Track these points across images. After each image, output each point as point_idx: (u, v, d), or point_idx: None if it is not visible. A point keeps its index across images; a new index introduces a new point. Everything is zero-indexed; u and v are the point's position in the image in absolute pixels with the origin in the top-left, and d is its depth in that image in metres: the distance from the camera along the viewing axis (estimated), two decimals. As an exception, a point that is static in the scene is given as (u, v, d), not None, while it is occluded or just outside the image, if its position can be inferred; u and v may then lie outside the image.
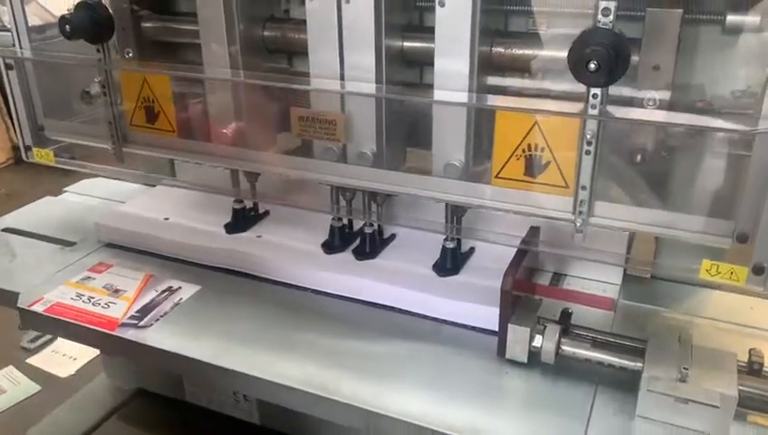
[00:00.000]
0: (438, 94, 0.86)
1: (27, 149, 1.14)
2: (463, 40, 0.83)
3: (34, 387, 2.30)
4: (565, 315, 0.85)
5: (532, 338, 0.83)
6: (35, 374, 2.26)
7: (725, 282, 0.76)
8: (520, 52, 0.87)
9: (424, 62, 0.93)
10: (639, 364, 0.79)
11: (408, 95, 0.92)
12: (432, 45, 0.85)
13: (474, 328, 0.93)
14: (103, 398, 1.27)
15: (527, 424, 0.79)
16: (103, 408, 1.22)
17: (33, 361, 2.19)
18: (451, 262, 1.02)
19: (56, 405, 1.28)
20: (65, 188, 1.45)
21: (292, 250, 1.07)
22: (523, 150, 0.82)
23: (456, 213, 0.96)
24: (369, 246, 1.07)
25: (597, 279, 1.04)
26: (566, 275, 1.06)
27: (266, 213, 1.17)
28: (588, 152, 0.78)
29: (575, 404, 0.81)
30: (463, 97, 0.85)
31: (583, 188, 0.80)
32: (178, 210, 1.20)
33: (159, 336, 0.94)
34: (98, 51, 1.00)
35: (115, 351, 0.96)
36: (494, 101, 0.85)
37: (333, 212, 1.05)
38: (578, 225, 0.81)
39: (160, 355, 0.92)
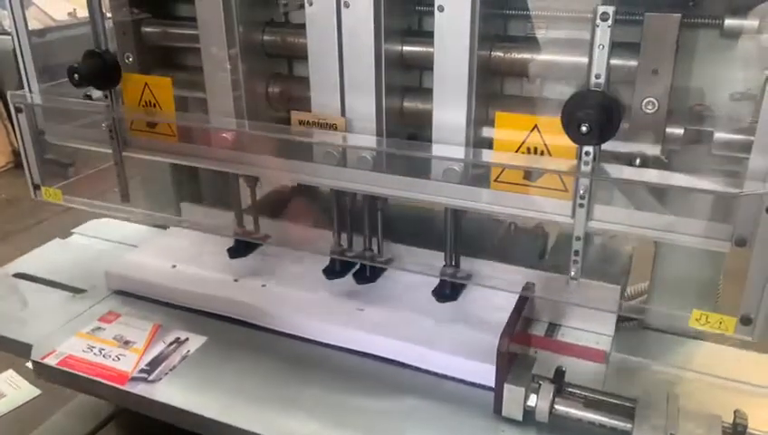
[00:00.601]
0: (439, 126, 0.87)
1: (36, 187, 1.16)
2: (462, 44, 0.83)
3: (35, 391, 2.30)
4: (559, 374, 0.87)
5: (527, 397, 0.85)
6: (36, 379, 2.26)
7: (715, 331, 0.79)
8: (519, 56, 0.88)
9: (423, 66, 0.93)
10: (629, 425, 0.81)
11: (408, 150, 0.92)
12: (431, 50, 0.85)
13: (472, 383, 0.95)
14: (101, 404, 1.27)
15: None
16: (101, 414, 1.22)
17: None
18: (450, 288, 1.03)
19: (56, 410, 1.28)
20: (73, 230, 1.45)
21: (295, 300, 1.08)
22: (523, 154, 0.82)
23: (456, 218, 0.97)
24: (370, 270, 1.08)
25: (590, 330, 1.05)
26: (561, 325, 1.08)
27: (266, 236, 1.16)
28: (581, 205, 0.80)
29: None
30: (460, 152, 0.87)
31: (578, 238, 0.81)
32: (187, 256, 1.21)
33: (168, 391, 0.95)
34: (105, 97, 1.02)
35: (126, 403, 0.97)
36: (489, 156, 0.86)
37: (334, 249, 1.06)
38: (572, 274, 0.84)
39: (169, 411, 0.93)
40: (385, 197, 1.00)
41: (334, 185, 0.97)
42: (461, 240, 1.00)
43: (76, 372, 0.98)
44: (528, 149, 0.82)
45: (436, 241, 1.02)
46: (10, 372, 2.35)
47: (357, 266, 1.08)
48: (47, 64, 1.11)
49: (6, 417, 2.22)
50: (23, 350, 1.05)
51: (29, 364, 1.07)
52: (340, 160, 0.93)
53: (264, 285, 1.13)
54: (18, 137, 1.12)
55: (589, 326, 1.06)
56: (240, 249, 1.14)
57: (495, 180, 0.85)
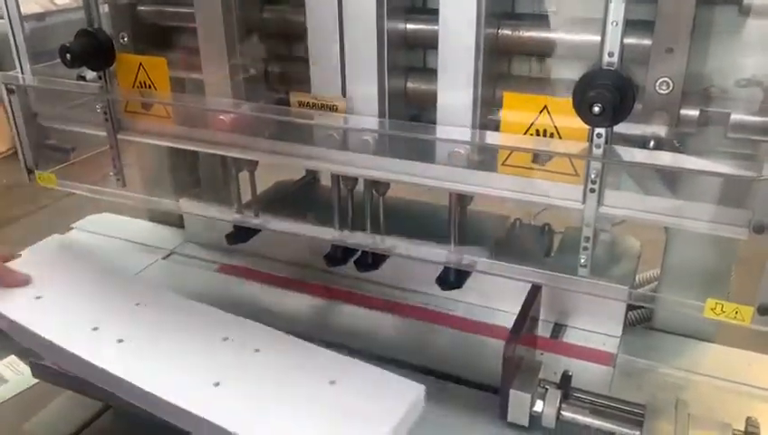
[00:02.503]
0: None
1: (30, 171, 1.13)
2: (468, 22, 0.79)
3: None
4: (566, 379, 0.85)
5: (533, 403, 0.83)
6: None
7: (730, 321, 0.75)
8: (528, 34, 0.84)
9: (428, 45, 0.89)
10: (637, 433, 0.79)
11: (412, 131, 0.88)
12: (436, 28, 0.81)
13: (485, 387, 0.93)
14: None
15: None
16: (96, 403, 1.20)
17: (34, 351, 2.17)
18: (455, 276, 0.99)
19: (57, 396, 1.27)
20: (73, 225, 1.43)
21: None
22: (531, 136, 0.79)
23: (461, 203, 0.93)
24: (372, 257, 1.04)
25: (597, 331, 1.03)
26: (566, 326, 1.05)
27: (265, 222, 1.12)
28: (592, 190, 0.76)
29: None
30: (465, 134, 0.83)
31: (588, 225, 0.78)
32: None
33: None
34: (99, 78, 0.98)
35: (125, 405, 0.92)
36: (496, 139, 0.81)
37: (334, 235, 1.01)
38: (582, 261, 0.81)
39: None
40: (387, 182, 0.97)
41: (335, 169, 0.93)
42: (465, 235, 0.96)
43: (71, 373, 0.94)
44: (537, 131, 0.78)
45: (439, 236, 0.98)
46: (12, 358, 2.34)
47: (358, 254, 1.05)
48: (47, 49, 1.07)
49: (8, 402, 2.21)
50: (23, 349, 1.02)
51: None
52: (341, 143, 0.90)
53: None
54: (11, 119, 1.10)
55: (595, 327, 1.04)
56: (240, 235, 1.11)
57: (503, 164, 0.81)
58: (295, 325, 0.99)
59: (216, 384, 0.84)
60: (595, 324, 1.03)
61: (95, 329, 0.95)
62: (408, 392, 0.81)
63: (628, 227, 1.19)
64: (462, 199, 0.94)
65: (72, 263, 1.12)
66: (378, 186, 0.98)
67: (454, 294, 1.08)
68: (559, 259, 1.06)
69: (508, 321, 1.03)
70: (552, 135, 0.78)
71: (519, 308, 1.05)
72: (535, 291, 0.92)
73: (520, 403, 0.83)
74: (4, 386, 2.27)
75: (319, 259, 1.12)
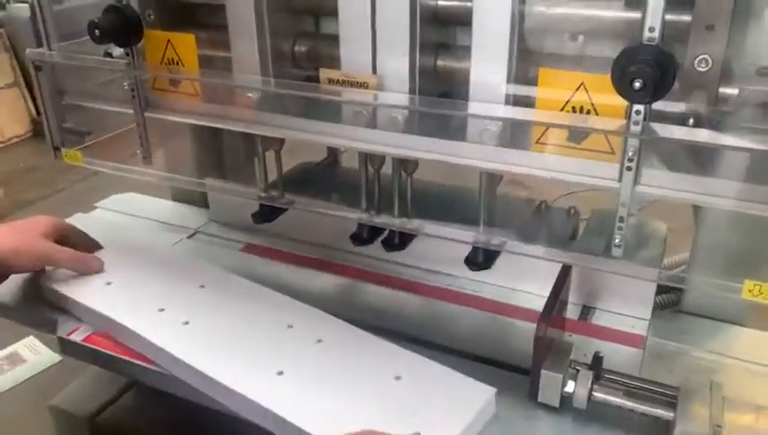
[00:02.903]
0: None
1: (56, 149, 1.12)
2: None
3: (56, 357, 2.32)
4: (597, 360, 0.84)
5: (564, 384, 0.82)
6: (56, 345, 2.27)
7: None
8: (562, 11, 0.82)
9: (459, 21, 0.88)
10: (671, 415, 0.78)
11: (445, 108, 0.87)
12: (469, 4, 0.80)
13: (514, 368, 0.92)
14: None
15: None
16: (121, 380, 1.20)
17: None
18: (483, 256, 0.98)
19: (77, 376, 1.27)
20: (97, 204, 1.43)
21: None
22: (567, 113, 0.77)
23: (491, 184, 0.92)
24: (399, 237, 1.03)
25: (626, 314, 1.02)
26: (595, 308, 1.04)
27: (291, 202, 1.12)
28: (629, 168, 0.75)
29: None
30: (499, 111, 0.82)
31: (623, 204, 0.77)
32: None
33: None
34: (126, 54, 0.98)
35: (153, 382, 0.94)
36: (531, 115, 0.80)
37: (362, 214, 1.00)
38: (617, 241, 0.80)
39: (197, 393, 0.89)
40: (416, 160, 0.96)
41: (363, 147, 0.92)
42: (490, 218, 0.95)
43: (100, 350, 0.96)
44: (573, 108, 0.77)
45: (465, 219, 0.97)
46: (30, 339, 2.37)
47: (385, 234, 1.04)
48: (64, 33, 1.07)
49: (28, 383, 2.24)
50: (48, 325, 1.03)
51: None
52: (370, 121, 0.89)
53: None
54: (38, 97, 1.09)
55: (624, 310, 1.03)
56: (266, 214, 1.11)
57: (537, 142, 0.80)
58: (320, 305, 0.99)
59: (280, 373, 0.83)
60: (624, 307, 1.02)
61: (161, 310, 0.96)
62: (478, 395, 0.80)
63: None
64: (491, 180, 0.93)
65: (136, 245, 1.15)
66: (406, 165, 0.98)
67: (479, 275, 1.08)
68: (585, 242, 1.05)
69: (534, 303, 1.04)
70: (588, 112, 0.77)
71: (545, 290, 1.06)
72: (566, 272, 0.91)
73: (551, 384, 0.82)
74: (24, 366, 2.30)
75: (343, 240, 1.12)
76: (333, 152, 1.31)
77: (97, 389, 1.18)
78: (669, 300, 1.08)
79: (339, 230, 1.14)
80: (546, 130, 0.79)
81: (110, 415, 1.15)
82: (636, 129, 0.73)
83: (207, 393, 0.85)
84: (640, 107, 0.72)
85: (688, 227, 1.06)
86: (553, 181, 0.81)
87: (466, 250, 1.00)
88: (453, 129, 0.86)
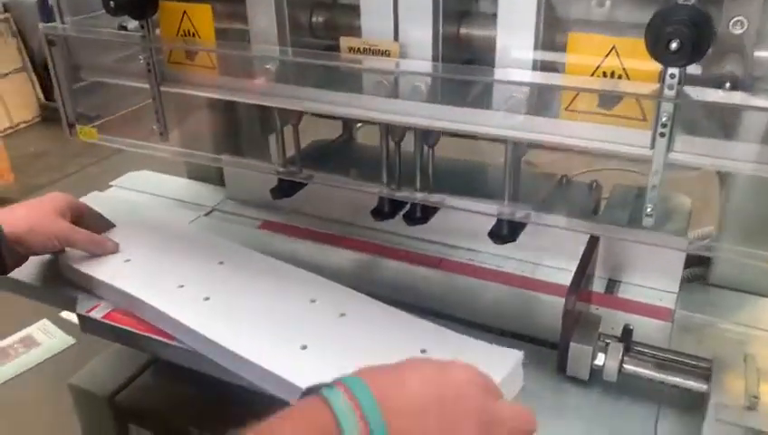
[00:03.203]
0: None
1: (71, 126, 1.10)
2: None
3: (69, 340, 2.32)
4: (627, 332, 0.82)
5: (594, 356, 0.81)
6: (70, 328, 2.28)
7: None
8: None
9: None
10: (704, 386, 0.76)
11: (469, 74, 0.84)
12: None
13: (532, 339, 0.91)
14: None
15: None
16: (141, 358, 1.20)
17: (68, 314, 2.20)
18: (508, 229, 0.96)
19: (91, 358, 1.27)
20: (112, 183, 1.42)
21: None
22: (598, 78, 0.75)
23: (515, 155, 0.90)
24: (421, 210, 1.01)
25: (653, 287, 1.00)
26: (621, 281, 1.03)
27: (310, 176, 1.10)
28: (662, 134, 0.72)
29: (640, 426, 0.78)
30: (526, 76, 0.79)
31: (656, 172, 0.74)
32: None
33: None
34: (141, 27, 0.96)
35: (175, 358, 0.92)
36: (561, 80, 0.78)
37: (382, 187, 0.98)
38: (648, 210, 0.78)
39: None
40: (439, 132, 0.94)
41: (385, 118, 0.90)
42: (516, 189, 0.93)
43: (121, 326, 0.95)
44: (604, 73, 0.75)
45: (487, 194, 0.95)
46: (44, 322, 2.37)
47: (407, 207, 1.03)
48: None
49: (42, 365, 2.24)
50: (68, 303, 1.02)
51: (63, 314, 1.04)
52: (392, 91, 0.87)
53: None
54: (52, 74, 1.08)
55: (651, 283, 1.01)
56: (285, 189, 1.09)
57: (566, 109, 0.78)
58: (340, 281, 0.97)
59: (304, 347, 0.82)
60: (651, 280, 1.00)
61: (181, 287, 0.95)
62: (506, 359, 0.79)
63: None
64: (516, 151, 0.91)
65: (152, 223, 1.14)
66: (428, 137, 0.96)
67: (501, 250, 1.06)
68: (607, 216, 1.04)
69: (557, 277, 1.03)
70: (620, 77, 0.75)
71: (568, 264, 1.04)
72: (593, 245, 0.90)
73: (580, 356, 0.81)
74: (39, 349, 2.31)
75: (362, 215, 1.11)
76: (348, 129, 1.29)
77: (117, 367, 1.17)
78: (695, 274, 1.06)
79: (357, 205, 1.13)
80: (576, 96, 0.77)
81: (131, 393, 1.14)
82: (670, 93, 0.71)
83: (231, 369, 0.84)
84: (675, 70, 0.69)
85: (706, 201, 1.05)
86: (582, 150, 0.79)
87: (486, 224, 0.98)
88: (478, 98, 0.84)
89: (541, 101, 0.81)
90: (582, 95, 0.77)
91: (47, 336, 2.33)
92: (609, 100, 0.76)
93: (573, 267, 1.02)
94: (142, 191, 1.36)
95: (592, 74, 0.76)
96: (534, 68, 0.81)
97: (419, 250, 1.12)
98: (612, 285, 1.02)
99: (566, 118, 0.78)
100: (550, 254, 1.06)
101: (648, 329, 0.91)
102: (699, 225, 1.16)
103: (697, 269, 1.06)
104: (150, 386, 1.16)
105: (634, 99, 0.75)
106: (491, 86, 0.83)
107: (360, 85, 0.89)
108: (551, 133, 0.80)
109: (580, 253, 0.92)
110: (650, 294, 0.99)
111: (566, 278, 1.01)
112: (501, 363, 0.78)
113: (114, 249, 1.05)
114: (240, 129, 1.32)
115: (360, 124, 1.29)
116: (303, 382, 0.76)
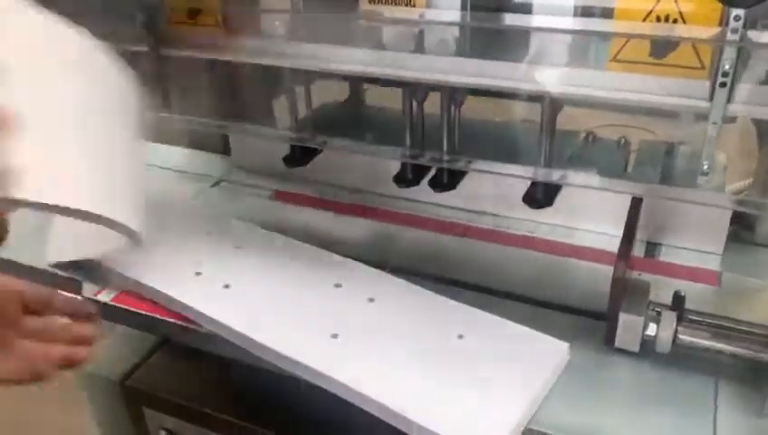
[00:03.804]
0: None
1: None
2: None
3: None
4: (678, 299, 0.76)
5: (645, 327, 0.75)
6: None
7: None
8: None
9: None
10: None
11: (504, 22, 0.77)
12: None
13: (581, 312, 0.85)
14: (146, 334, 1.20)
15: (648, 424, 0.70)
16: (150, 339, 1.14)
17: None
18: (543, 192, 0.90)
19: (100, 340, 1.21)
20: None
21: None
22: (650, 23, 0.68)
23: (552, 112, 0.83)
24: (448, 175, 0.94)
25: (696, 249, 0.94)
26: (661, 244, 0.96)
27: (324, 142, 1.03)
28: (723, 84, 0.66)
29: (697, 400, 0.73)
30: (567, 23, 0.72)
31: (714, 123, 0.68)
32: None
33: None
34: None
35: (189, 341, 0.86)
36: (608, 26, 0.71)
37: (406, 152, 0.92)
38: (705, 167, 0.72)
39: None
40: (464, 91, 0.87)
41: (409, 76, 0.83)
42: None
43: (131, 309, 0.89)
44: (658, 17, 0.68)
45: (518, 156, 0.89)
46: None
47: (432, 173, 0.96)
48: None
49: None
50: (73, 286, 0.94)
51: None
52: (417, 45, 0.80)
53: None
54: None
55: (694, 244, 0.94)
56: (297, 157, 1.02)
57: (613, 59, 0.71)
58: (362, 253, 0.92)
59: (335, 336, 0.76)
60: (694, 241, 0.94)
61: (198, 274, 0.88)
62: (551, 351, 0.73)
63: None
64: (552, 108, 0.84)
65: (158, 200, 1.06)
66: (455, 95, 0.88)
67: (530, 214, 1.00)
68: (637, 173, 0.98)
69: (594, 241, 0.97)
70: (675, 21, 0.68)
71: (604, 227, 0.99)
72: (637, 206, 0.83)
73: (631, 327, 0.75)
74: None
75: (381, 182, 1.04)
76: (356, 91, 1.21)
77: (126, 350, 1.11)
78: (739, 233, 1.00)
79: (376, 172, 1.06)
80: (625, 44, 0.70)
81: (142, 376, 1.09)
82: (734, 37, 0.64)
83: (262, 357, 0.79)
84: (740, 11, 0.62)
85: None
86: (631, 104, 0.72)
87: (514, 187, 0.92)
88: (512, 51, 0.77)
89: (584, 51, 0.74)
90: (632, 43, 0.70)
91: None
92: (661, 47, 0.69)
93: (609, 230, 0.97)
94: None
95: (644, 19, 0.69)
96: (575, 14, 0.74)
97: (443, 217, 1.06)
98: (652, 248, 0.96)
99: (613, 69, 0.71)
100: (583, 217, 1.00)
101: (693, 294, 0.85)
102: (734, 180, 1.11)
103: (740, 227, 1.00)
104: (162, 368, 1.11)
105: (690, 45, 0.68)
106: (528, 36, 0.76)
107: (382, 40, 0.82)
108: (596, 87, 0.73)
109: (614, 213, 0.86)
110: (693, 257, 0.93)
111: (602, 242, 0.97)
112: (546, 354, 0.72)
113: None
114: (241, 91, 1.24)
115: (367, 85, 1.21)
116: (342, 376, 0.71)
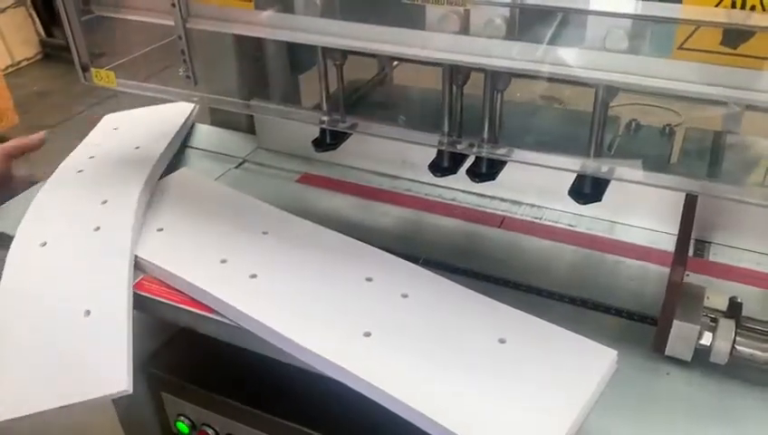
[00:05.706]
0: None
1: (84, 68, 0.97)
2: None
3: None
4: (735, 306, 0.72)
5: (700, 335, 0.70)
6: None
7: None
8: None
9: None
10: None
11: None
12: None
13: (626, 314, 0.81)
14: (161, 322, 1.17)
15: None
16: (160, 334, 1.13)
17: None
18: (591, 187, 0.84)
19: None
20: None
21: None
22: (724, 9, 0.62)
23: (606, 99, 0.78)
24: (487, 165, 0.88)
25: (748, 248, 0.89)
26: (711, 242, 0.91)
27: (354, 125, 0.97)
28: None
29: (759, 417, 0.68)
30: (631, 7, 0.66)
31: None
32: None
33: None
34: None
35: (208, 330, 0.84)
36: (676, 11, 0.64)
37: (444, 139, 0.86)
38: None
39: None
40: (509, 75, 0.82)
41: (453, 59, 0.78)
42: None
43: (152, 297, 0.85)
44: (733, 3, 0.62)
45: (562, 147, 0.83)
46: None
47: (470, 161, 0.91)
48: None
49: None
50: None
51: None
52: (462, 27, 0.75)
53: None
54: (61, 11, 0.95)
55: (746, 244, 0.89)
56: (327, 141, 0.97)
57: (680, 48, 0.65)
58: (392, 242, 0.88)
59: (367, 335, 0.72)
60: (750, 241, 0.89)
61: (223, 262, 0.84)
62: (598, 359, 0.68)
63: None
64: (607, 95, 0.79)
65: (179, 181, 1.03)
66: (498, 80, 0.83)
67: (571, 206, 0.95)
68: (683, 165, 0.92)
69: (639, 237, 0.92)
70: (752, 8, 0.62)
71: (649, 222, 0.94)
72: (692, 204, 0.78)
73: (685, 336, 0.70)
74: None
75: (414, 167, 0.99)
76: (383, 68, 1.15)
77: (145, 335, 1.08)
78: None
79: (408, 156, 1.01)
80: (695, 31, 0.64)
81: (162, 362, 1.06)
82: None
83: (291, 353, 0.75)
84: (829, -2, 0.57)
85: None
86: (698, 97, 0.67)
87: (555, 177, 0.86)
88: (566, 35, 0.71)
89: (647, 38, 0.68)
90: (702, 31, 0.64)
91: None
92: (735, 36, 0.63)
93: (654, 226, 0.92)
94: (164, 141, 1.23)
95: (717, 5, 0.63)
96: (638, -2, 0.68)
97: (478, 206, 1.01)
98: (701, 246, 0.91)
99: (680, 58, 0.66)
100: (628, 211, 0.95)
101: (747, 299, 0.80)
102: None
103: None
104: (182, 354, 1.08)
105: (768, 34, 0.62)
106: (584, 19, 0.70)
107: (424, 19, 0.76)
108: (660, 77, 0.67)
109: (661, 209, 0.81)
110: (746, 257, 0.88)
111: (647, 238, 0.92)
112: (594, 363, 0.68)
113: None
114: (267, 69, 1.19)
115: (396, 62, 1.15)
116: (375, 379, 0.67)
